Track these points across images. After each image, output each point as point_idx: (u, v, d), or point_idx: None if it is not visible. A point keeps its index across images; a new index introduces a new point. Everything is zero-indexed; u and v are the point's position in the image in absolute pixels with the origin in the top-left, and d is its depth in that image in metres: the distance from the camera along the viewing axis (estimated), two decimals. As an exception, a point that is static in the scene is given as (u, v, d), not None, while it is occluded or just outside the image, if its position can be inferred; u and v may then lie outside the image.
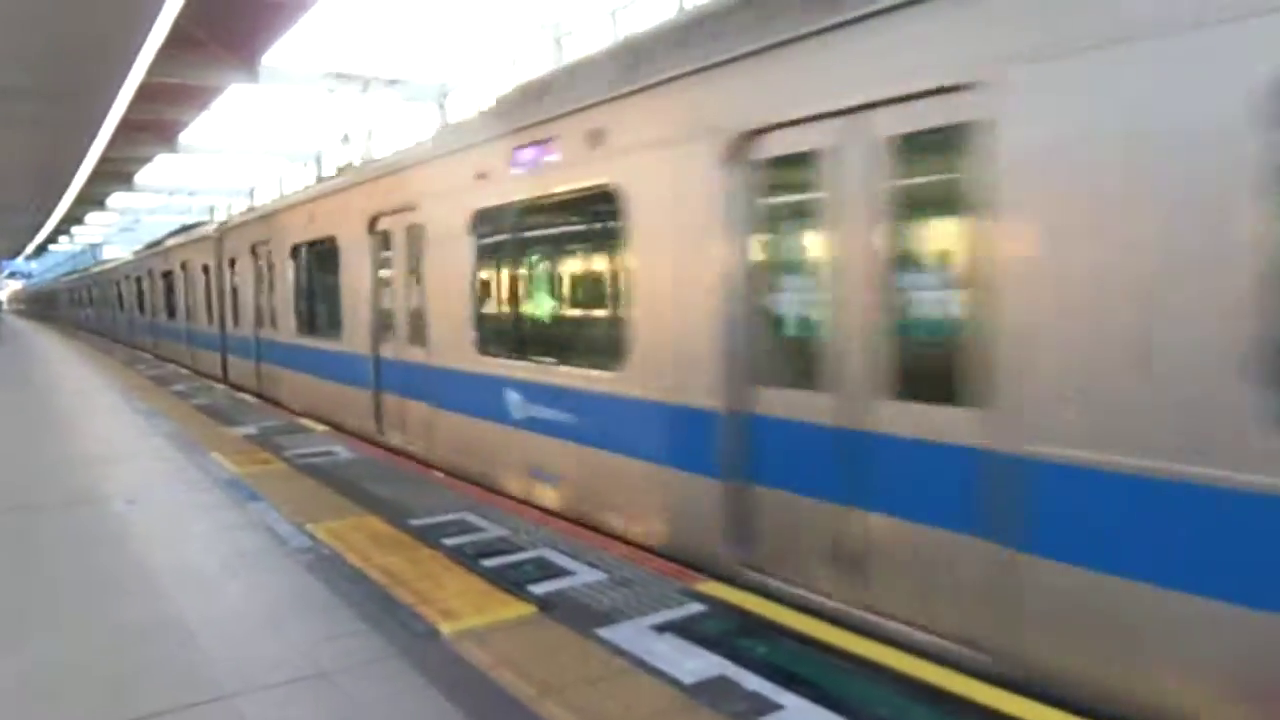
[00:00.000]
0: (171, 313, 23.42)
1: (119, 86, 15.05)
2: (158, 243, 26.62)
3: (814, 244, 4.79)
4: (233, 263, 16.51)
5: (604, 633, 4.27)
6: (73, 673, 4.02)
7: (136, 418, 11.88)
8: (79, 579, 5.31)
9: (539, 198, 6.96)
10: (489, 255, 7.95)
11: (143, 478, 8.04)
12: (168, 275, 23.47)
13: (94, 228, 57.83)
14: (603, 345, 6.34)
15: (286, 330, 13.31)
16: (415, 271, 9.04)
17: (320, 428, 10.91)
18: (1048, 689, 3.56)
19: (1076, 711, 3.39)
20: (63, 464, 8.76)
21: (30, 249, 62.51)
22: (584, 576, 5.08)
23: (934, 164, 4.27)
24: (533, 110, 6.97)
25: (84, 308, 48.87)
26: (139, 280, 28.94)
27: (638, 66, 5.80)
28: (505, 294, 8.08)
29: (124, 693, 3.76)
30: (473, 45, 22.80)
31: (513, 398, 7.15)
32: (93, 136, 19.53)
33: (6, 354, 26.15)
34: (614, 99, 5.93)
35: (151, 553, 5.76)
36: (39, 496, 7.35)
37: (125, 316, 33.12)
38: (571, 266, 7.77)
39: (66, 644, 4.33)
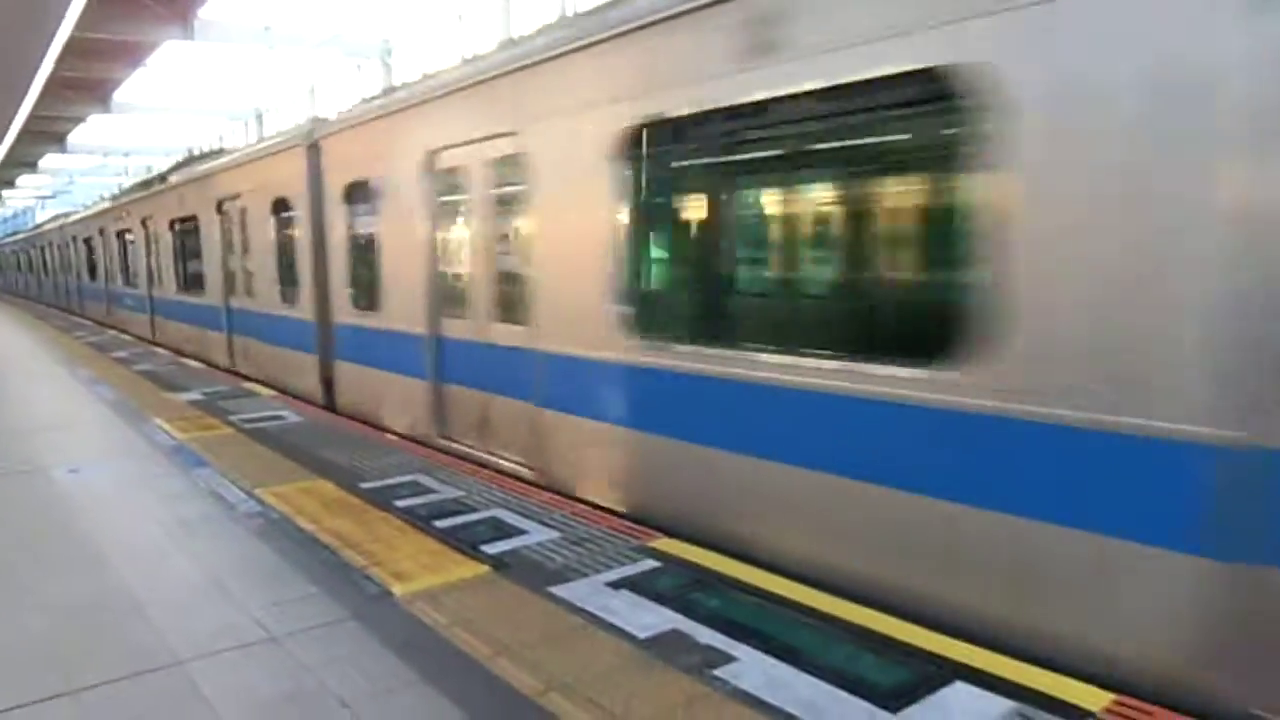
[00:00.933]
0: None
1: (47, 42, 14.47)
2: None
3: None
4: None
5: (558, 590, 4.29)
6: (16, 646, 3.93)
7: (77, 384, 11.58)
8: (20, 551, 5.18)
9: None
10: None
11: (85, 446, 7.86)
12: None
13: (26, 190, 56.01)
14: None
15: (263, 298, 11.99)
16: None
17: (267, 391, 10.73)
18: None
19: (1021, 657, 3.49)
20: (1, 432, 8.52)
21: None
22: (537, 536, 5.09)
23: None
24: None
25: (12, 274, 47.16)
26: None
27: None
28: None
29: (70, 665, 3.69)
30: (417, 2, 22.29)
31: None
32: (21, 94, 18.82)
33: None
34: None
35: (95, 522, 5.64)
36: (-25, 467, 7.15)
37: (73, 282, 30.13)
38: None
39: (8, 617, 4.23)
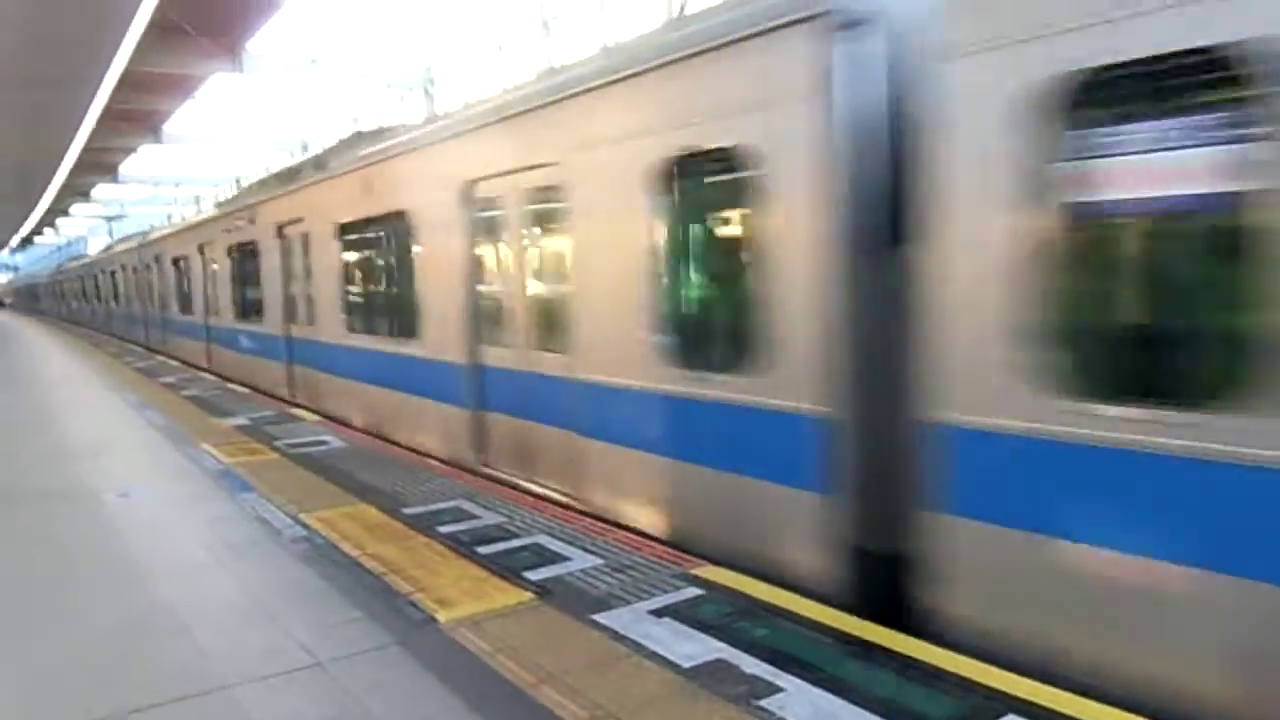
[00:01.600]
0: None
1: (101, 76, 14.94)
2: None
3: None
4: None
5: (601, 618, 4.26)
6: (67, 668, 3.99)
7: (127, 409, 11.81)
8: (72, 573, 5.27)
9: None
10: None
11: (134, 470, 7.99)
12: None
13: (78, 219, 57.46)
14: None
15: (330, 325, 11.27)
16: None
17: (312, 417, 10.85)
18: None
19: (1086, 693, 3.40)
20: (53, 457, 8.70)
21: (15, 242, 62.03)
22: (580, 562, 5.07)
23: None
24: None
25: (68, 301, 47.61)
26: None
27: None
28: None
29: (119, 687, 3.73)
30: (459, 32, 22.66)
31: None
32: (76, 127, 19.40)
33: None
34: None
35: (144, 545, 5.73)
36: (30, 489, 7.30)
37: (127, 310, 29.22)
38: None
39: (60, 639, 4.30)
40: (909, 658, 3.75)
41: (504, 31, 21.56)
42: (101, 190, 44.79)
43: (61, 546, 5.80)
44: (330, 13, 25.00)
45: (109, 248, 35.78)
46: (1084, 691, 3.39)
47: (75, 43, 12.70)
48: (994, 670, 3.59)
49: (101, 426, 10.74)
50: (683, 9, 7.09)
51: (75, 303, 43.90)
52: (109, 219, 49.60)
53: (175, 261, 20.71)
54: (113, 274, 31.33)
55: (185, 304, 20.10)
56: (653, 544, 5.41)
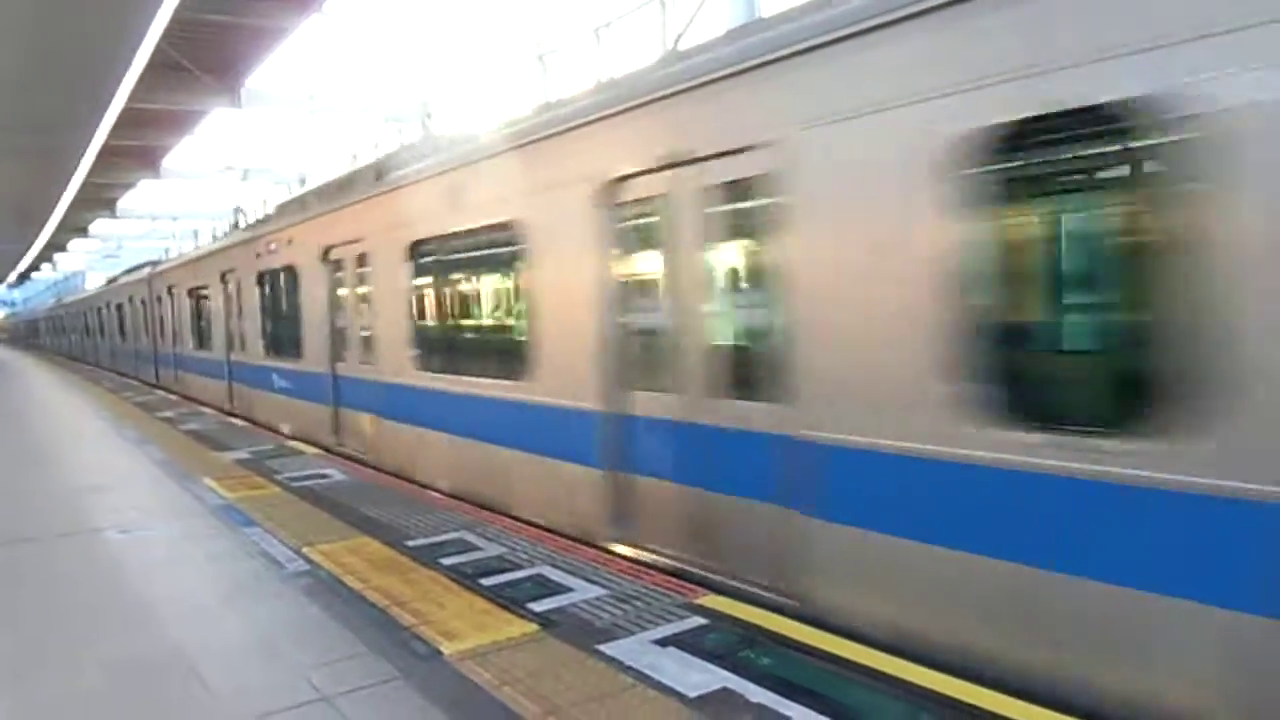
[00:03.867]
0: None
1: (101, 113, 15.04)
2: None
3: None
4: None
5: (606, 649, 4.27)
6: (71, 707, 3.99)
7: (127, 445, 11.80)
8: (74, 613, 5.27)
9: None
10: None
11: (135, 507, 7.98)
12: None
13: (76, 254, 57.57)
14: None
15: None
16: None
17: (312, 450, 10.85)
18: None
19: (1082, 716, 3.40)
20: (53, 494, 8.70)
21: (12, 277, 62.17)
22: (583, 593, 5.08)
23: None
24: None
25: (66, 335, 47.14)
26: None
27: None
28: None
29: (126, 724, 3.74)
30: (454, 66, 22.90)
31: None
32: (75, 164, 19.51)
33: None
34: None
35: (147, 583, 5.72)
36: (30, 528, 7.28)
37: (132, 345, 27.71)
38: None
39: (65, 680, 4.29)
40: (919, 687, 3.76)
41: (500, 65, 21.79)
42: (100, 225, 44.92)
43: (64, 585, 5.80)
44: (328, 49, 25.23)
45: (113, 279, 35.00)
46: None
47: (76, 84, 12.82)
48: (1007, 700, 3.59)
49: (101, 462, 10.73)
50: (677, 41, 7.01)
51: (75, 337, 43.56)
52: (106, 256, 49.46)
53: (192, 292, 19.13)
54: (119, 307, 29.48)
55: (203, 339, 18.34)
56: (655, 574, 5.42)
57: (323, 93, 23.67)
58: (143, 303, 25.17)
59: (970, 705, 3.57)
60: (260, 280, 14.24)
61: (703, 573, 5.42)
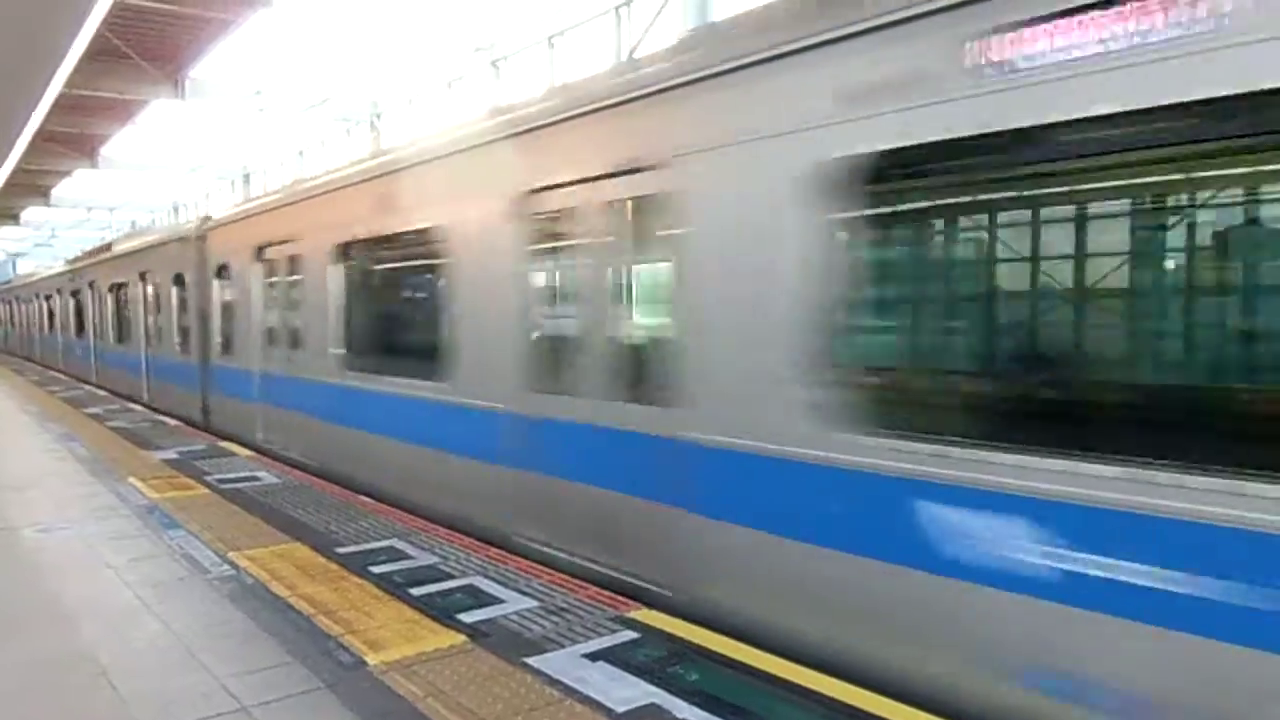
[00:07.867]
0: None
1: (37, 98, 14.60)
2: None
3: None
4: None
5: (535, 662, 4.23)
6: (-25, 711, 3.83)
7: (49, 440, 11.43)
8: (-16, 612, 5.07)
9: None
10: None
11: (55, 505, 7.72)
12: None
13: (6, 242, 55.87)
14: None
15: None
16: None
17: (244, 451, 10.61)
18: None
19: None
20: (-32, 490, 8.38)
21: (-63, 263, 60.01)
22: (515, 605, 5.03)
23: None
24: None
25: None
26: None
27: None
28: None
29: (31, 732, 3.60)
30: (407, 67, 22.69)
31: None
32: (7, 148, 18.90)
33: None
34: None
35: (63, 584, 5.53)
36: (-58, 524, 7.01)
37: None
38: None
39: (-31, 681, 4.13)
40: (842, 703, 3.79)
41: (452, 69, 21.63)
42: (32, 213, 43.63)
43: (-26, 584, 5.58)
44: (276, 44, 24.80)
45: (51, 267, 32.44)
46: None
47: (9, 67, 12.41)
48: (922, 714, 3.65)
49: (22, 458, 10.37)
50: (632, 52, 7.05)
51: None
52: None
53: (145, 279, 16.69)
54: (74, 295, 24.47)
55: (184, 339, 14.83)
56: (588, 586, 5.40)
57: (271, 89, 23.29)
58: (91, 294, 21.92)
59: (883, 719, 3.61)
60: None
61: (607, 571, 5.63)
